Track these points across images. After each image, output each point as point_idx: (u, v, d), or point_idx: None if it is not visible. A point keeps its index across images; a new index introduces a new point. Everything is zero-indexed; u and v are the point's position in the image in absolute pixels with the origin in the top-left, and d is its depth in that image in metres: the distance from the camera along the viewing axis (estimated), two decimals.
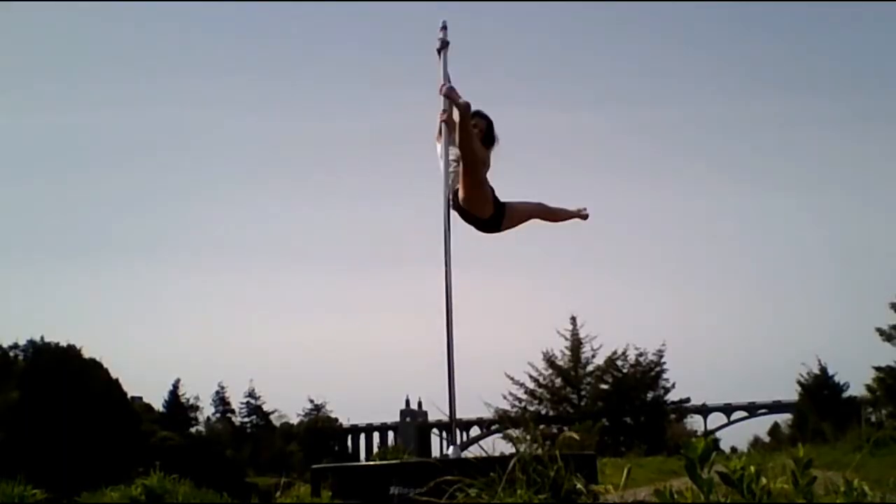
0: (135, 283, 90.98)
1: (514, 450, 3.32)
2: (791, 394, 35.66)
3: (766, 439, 40.13)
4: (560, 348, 26.75)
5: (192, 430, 59.58)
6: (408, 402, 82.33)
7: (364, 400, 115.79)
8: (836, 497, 2.41)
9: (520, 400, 26.27)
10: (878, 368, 26.03)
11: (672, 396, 27.33)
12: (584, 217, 4.92)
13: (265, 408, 69.62)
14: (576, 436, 3.95)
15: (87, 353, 45.42)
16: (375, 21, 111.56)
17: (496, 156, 4.50)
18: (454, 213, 4.40)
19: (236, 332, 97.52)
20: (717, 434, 56.26)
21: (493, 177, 4.44)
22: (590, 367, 26.64)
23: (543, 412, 25.73)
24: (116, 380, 45.89)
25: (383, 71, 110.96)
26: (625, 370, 26.74)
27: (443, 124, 4.43)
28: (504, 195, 4.49)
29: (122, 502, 6.21)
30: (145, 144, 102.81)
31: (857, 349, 72.10)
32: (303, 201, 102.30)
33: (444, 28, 4.57)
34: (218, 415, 68.52)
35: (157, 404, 60.57)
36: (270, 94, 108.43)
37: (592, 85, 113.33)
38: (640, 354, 26.78)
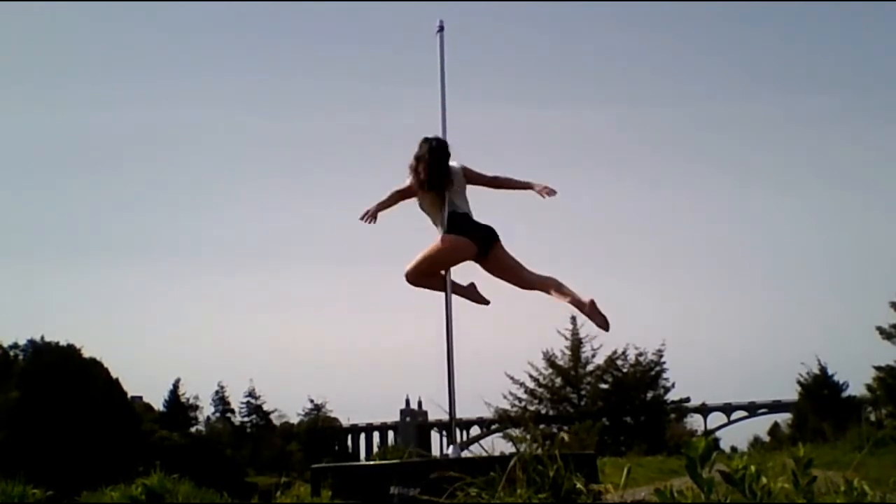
0: (135, 283, 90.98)
1: (514, 449, 3.32)
2: (791, 393, 35.64)
3: (766, 439, 40.07)
4: (560, 348, 26.70)
5: (192, 429, 59.50)
6: (408, 401, 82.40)
7: (364, 400, 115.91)
8: (836, 497, 2.41)
9: (520, 399, 26.22)
10: (878, 368, 25.99)
11: (672, 396, 27.29)
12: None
13: (265, 408, 69.52)
14: (566, 438, 3.95)
15: (87, 353, 45.49)
16: (375, 19, 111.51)
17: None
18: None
19: (236, 332, 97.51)
20: (717, 434, 56.22)
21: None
22: (590, 367, 26.58)
23: (543, 412, 25.69)
24: (116, 380, 45.85)
25: (384, 70, 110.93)
26: (625, 370, 26.69)
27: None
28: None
29: (122, 502, 6.20)
30: (145, 144, 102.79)
31: (857, 349, 72.10)
32: (303, 201, 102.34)
33: (441, 28, 4.86)
34: (218, 414, 68.47)
35: (158, 404, 60.61)
36: (270, 94, 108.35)
37: (592, 84, 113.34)
38: (640, 354, 26.72)
